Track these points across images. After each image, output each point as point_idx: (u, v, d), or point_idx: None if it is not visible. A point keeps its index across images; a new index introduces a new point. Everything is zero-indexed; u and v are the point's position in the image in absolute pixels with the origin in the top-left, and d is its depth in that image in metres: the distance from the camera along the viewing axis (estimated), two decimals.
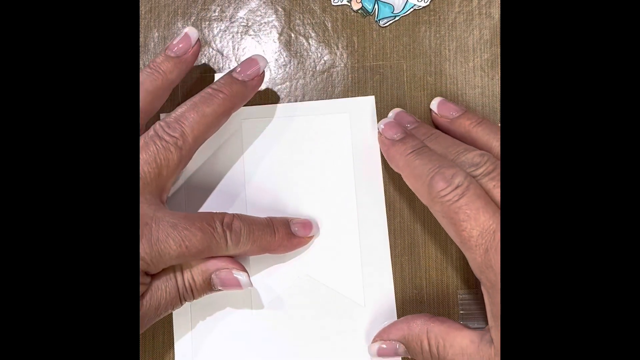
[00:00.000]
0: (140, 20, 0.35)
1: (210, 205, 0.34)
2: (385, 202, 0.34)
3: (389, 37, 0.35)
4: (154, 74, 0.31)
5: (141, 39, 0.35)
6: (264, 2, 0.36)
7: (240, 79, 0.31)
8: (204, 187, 0.34)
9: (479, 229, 0.26)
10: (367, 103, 0.35)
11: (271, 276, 0.33)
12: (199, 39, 0.32)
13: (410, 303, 0.33)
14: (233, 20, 0.36)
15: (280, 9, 0.36)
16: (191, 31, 0.32)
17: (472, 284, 0.33)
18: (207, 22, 0.36)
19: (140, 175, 0.28)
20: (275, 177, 0.34)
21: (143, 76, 0.31)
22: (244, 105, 0.33)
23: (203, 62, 0.35)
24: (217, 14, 0.36)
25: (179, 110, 0.30)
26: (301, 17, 0.35)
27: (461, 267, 0.33)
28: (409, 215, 0.34)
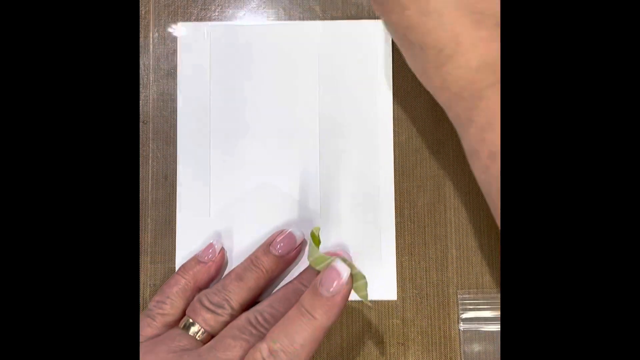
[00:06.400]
0: (140, 20, 0.35)
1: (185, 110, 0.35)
2: (394, 204, 0.34)
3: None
4: (257, 271, 0.32)
5: (141, 39, 0.35)
6: (264, 2, 0.36)
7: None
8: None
9: None
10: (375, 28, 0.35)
11: (230, 181, 0.34)
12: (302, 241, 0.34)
13: (410, 303, 0.33)
14: (233, 20, 0.36)
15: (280, 9, 0.36)
16: (296, 233, 0.33)
17: (472, 284, 0.33)
18: (207, 22, 0.36)
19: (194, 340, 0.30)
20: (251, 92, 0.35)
21: (247, 273, 0.32)
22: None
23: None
24: (217, 14, 0.36)
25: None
26: (301, 17, 0.35)
27: (461, 267, 0.33)
28: (409, 214, 0.34)
